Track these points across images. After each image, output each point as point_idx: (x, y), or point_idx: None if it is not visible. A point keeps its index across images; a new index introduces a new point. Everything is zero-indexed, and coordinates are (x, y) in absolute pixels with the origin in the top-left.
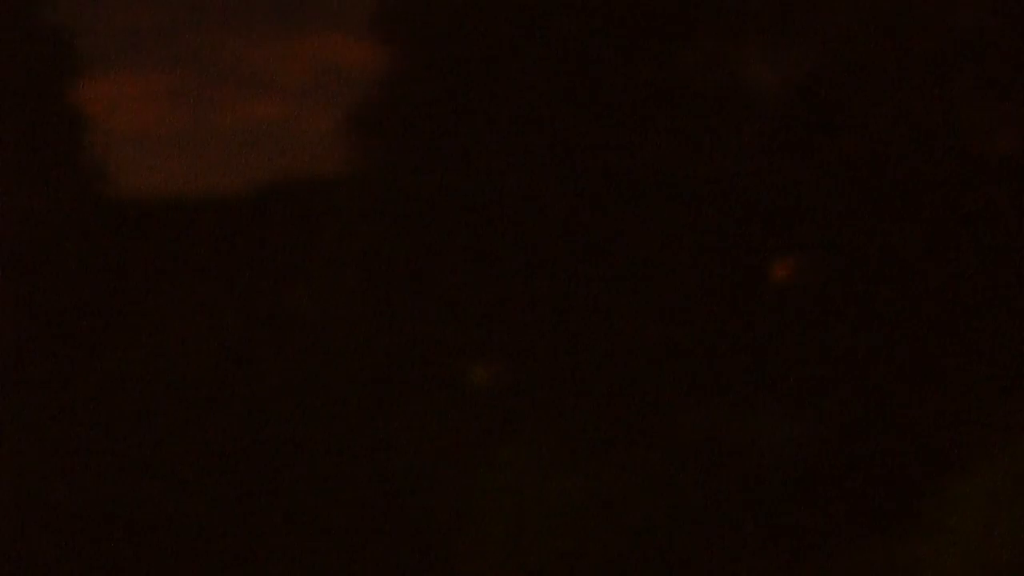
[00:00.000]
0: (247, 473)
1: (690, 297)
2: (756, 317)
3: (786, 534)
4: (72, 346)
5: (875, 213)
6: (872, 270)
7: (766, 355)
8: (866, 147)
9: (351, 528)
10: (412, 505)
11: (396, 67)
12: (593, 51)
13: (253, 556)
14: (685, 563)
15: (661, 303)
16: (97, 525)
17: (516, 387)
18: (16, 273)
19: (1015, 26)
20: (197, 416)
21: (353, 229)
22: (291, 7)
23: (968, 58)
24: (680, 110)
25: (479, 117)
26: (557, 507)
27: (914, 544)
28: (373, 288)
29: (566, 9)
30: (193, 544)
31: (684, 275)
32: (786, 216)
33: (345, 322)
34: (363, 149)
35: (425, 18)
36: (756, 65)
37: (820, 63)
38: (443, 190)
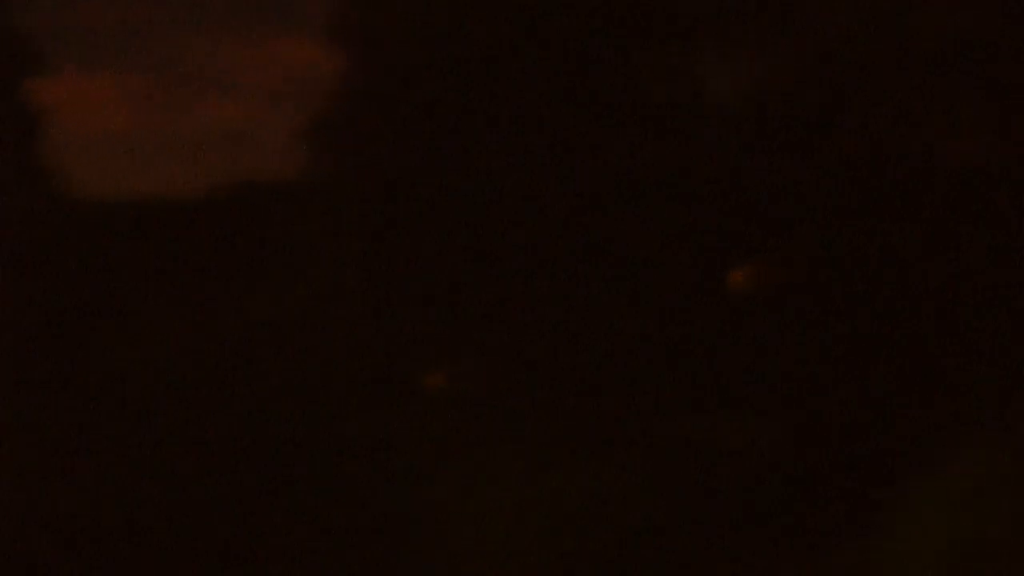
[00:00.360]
0: (216, 476)
1: (660, 302)
2: (726, 322)
3: (757, 536)
4: (35, 348)
5: (845, 218)
6: (842, 275)
7: (736, 360)
8: (837, 152)
9: (326, 529)
10: (385, 507)
11: (362, 71)
12: (559, 55)
13: (228, 555)
14: (657, 566)
15: (631, 308)
16: (79, 528)
17: (486, 392)
18: None
19: (993, 30)
20: (163, 419)
21: (318, 232)
22: (257, 10)
23: (942, 62)
24: (648, 116)
25: (444, 121)
26: (530, 511)
27: (879, 547)
28: (339, 291)
29: (532, 13)
30: (168, 545)
31: (654, 279)
32: (757, 221)
33: (311, 325)
34: (329, 153)
35: (391, 23)
36: (726, 69)
37: (792, 67)
38: (408, 194)
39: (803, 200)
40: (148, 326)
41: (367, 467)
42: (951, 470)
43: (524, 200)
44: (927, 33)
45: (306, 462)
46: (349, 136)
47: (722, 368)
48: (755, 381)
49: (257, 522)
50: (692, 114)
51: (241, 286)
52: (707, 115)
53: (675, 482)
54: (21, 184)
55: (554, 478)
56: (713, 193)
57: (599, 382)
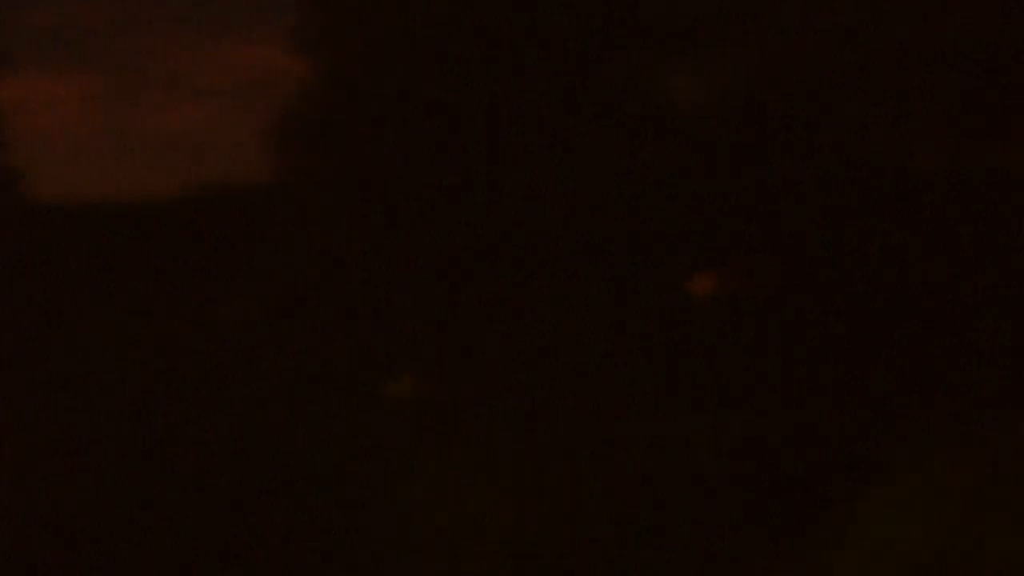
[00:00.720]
0: (166, 485)
1: (628, 306)
2: (694, 326)
3: (710, 542)
4: None
5: (817, 222)
6: (798, 282)
7: (702, 363)
8: (810, 157)
9: (277, 540)
10: (349, 515)
11: (326, 73)
12: (519, 62)
13: (171, 568)
14: (625, 569)
15: (598, 312)
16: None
17: (444, 399)
18: None
19: (945, 42)
20: (122, 424)
21: (282, 235)
22: (221, 13)
23: (892, 72)
24: (619, 121)
25: (409, 123)
26: (497, 517)
27: (830, 553)
28: (303, 295)
29: (492, 20)
30: (131, 549)
31: (622, 283)
32: (714, 228)
33: (275, 329)
34: (292, 155)
35: (351, 27)
36: (686, 79)
37: (765, 73)
38: (373, 196)
39: (774, 204)
40: (110, 330)
41: (331, 473)
42: (921, 473)
43: (491, 204)
44: (901, 38)
45: (270, 467)
46: (313, 138)
47: (689, 372)
48: (723, 385)
49: (220, 529)
50: (663, 119)
51: (204, 289)
52: (679, 120)
53: (644, 487)
54: None
55: (521, 484)
56: (685, 197)
57: (565, 387)
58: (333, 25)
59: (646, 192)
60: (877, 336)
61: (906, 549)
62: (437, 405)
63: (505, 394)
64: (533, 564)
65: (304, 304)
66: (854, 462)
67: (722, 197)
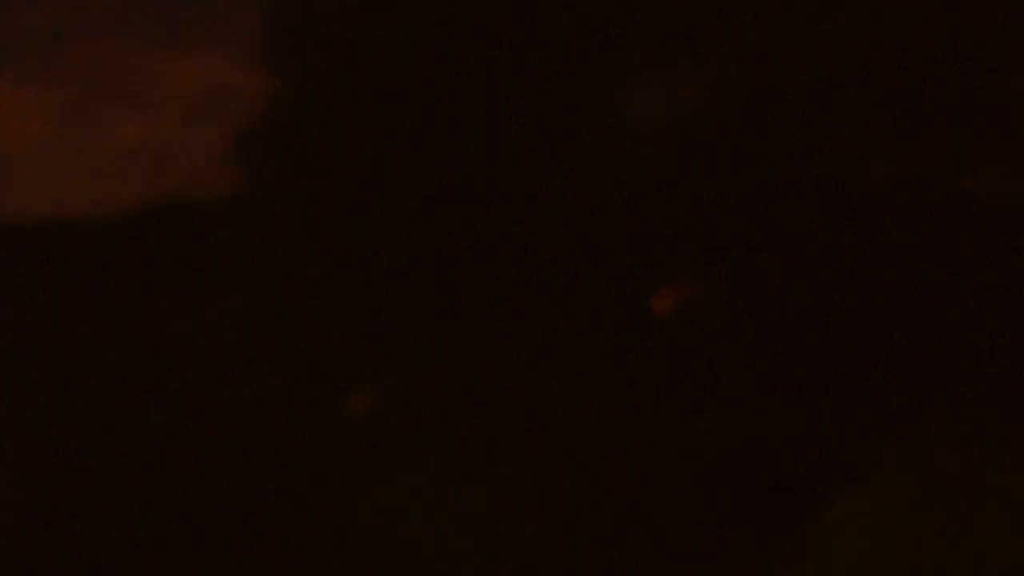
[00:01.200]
0: (123, 500)
1: (586, 321)
2: (651, 342)
3: (681, 550)
4: None
5: (763, 240)
6: (767, 289)
7: (659, 380)
8: (764, 173)
9: (234, 552)
10: (307, 530)
11: (285, 86)
12: (482, 77)
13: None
14: None
15: (556, 326)
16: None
17: (407, 411)
18: None
19: (906, 60)
20: (78, 441)
21: (240, 250)
22: (178, 22)
23: (857, 91)
24: (568, 138)
25: (365, 142)
26: (456, 533)
27: (801, 561)
28: (256, 312)
29: (454, 35)
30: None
31: (580, 298)
32: (675, 241)
33: (232, 344)
34: (248, 171)
35: (314, 41)
36: (645, 93)
37: (711, 93)
38: (330, 211)
39: (729, 220)
40: (65, 346)
41: (289, 489)
42: (878, 488)
43: (451, 218)
44: (856, 52)
45: (228, 482)
46: (271, 152)
47: (646, 388)
48: (679, 401)
49: (175, 545)
50: (618, 134)
51: (161, 304)
52: (633, 135)
53: (603, 501)
54: None
55: (481, 499)
56: (641, 211)
57: (524, 403)
58: (293, 36)
59: (608, 204)
60: (834, 349)
61: (893, 553)
62: (399, 419)
63: (465, 409)
64: (498, 572)
65: (261, 319)
66: (830, 469)
67: (684, 209)
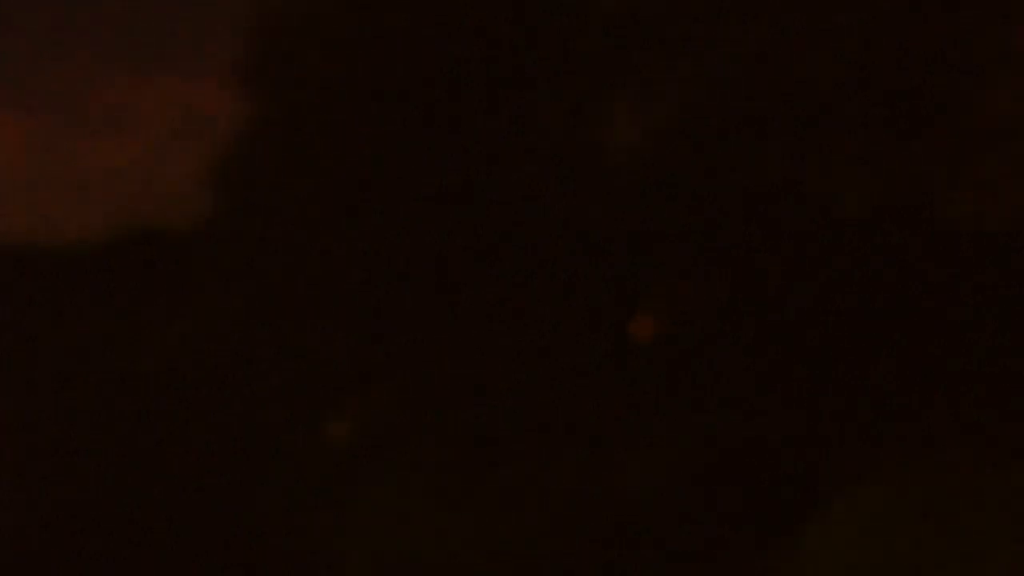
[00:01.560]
0: (101, 529)
1: (577, 320)
2: (621, 371)
3: (680, 550)
4: None
5: (734, 266)
6: (764, 292)
7: (636, 407)
8: (741, 198)
9: (233, 553)
10: (296, 532)
11: (262, 113)
12: (455, 104)
13: None
14: None
15: (549, 330)
16: None
17: (404, 413)
18: None
19: (879, 88)
20: (46, 477)
21: (217, 277)
22: (155, 48)
23: (828, 117)
24: (540, 164)
25: (341, 168)
26: (449, 530)
27: (801, 562)
28: (238, 339)
29: (428, 60)
30: None
31: (555, 325)
32: (646, 270)
33: (209, 372)
34: (224, 194)
35: (289, 66)
36: (619, 120)
37: (682, 120)
38: (303, 241)
39: (703, 246)
40: (38, 373)
41: (288, 490)
42: (877, 489)
43: (424, 246)
44: (830, 76)
45: (226, 484)
46: (247, 174)
47: (623, 414)
48: (656, 427)
49: (173, 546)
50: (593, 159)
51: (137, 332)
52: (608, 160)
53: (602, 502)
54: None
55: (479, 500)
56: (615, 238)
57: (522, 404)
58: (271, 62)
59: (601, 208)
60: (842, 347)
61: (892, 554)
62: (378, 444)
63: (443, 437)
64: None
65: (240, 346)
66: (829, 470)
67: (652, 239)
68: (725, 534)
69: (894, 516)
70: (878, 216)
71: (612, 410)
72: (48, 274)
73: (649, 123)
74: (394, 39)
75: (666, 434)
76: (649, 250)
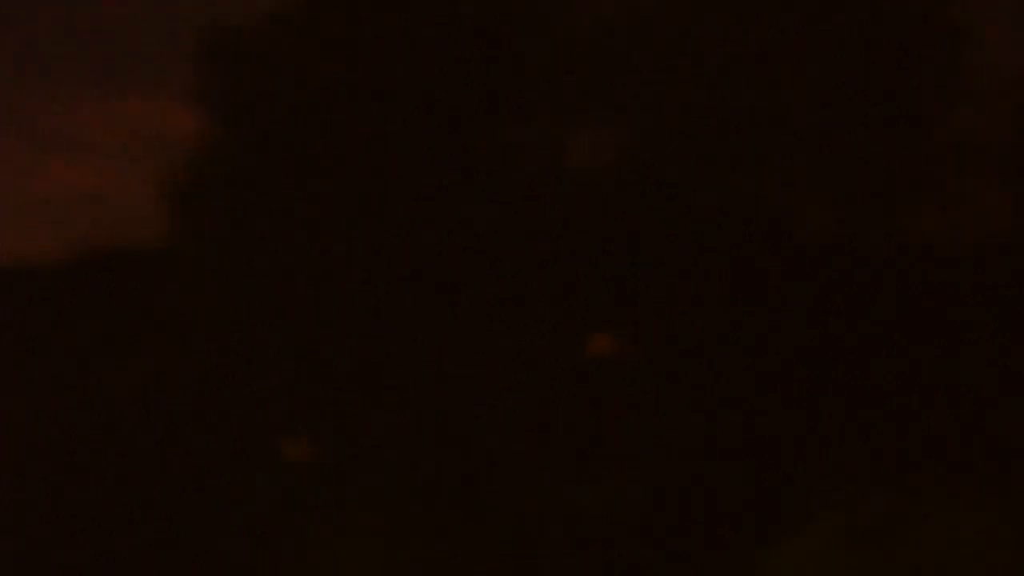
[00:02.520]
0: (63, 552)
1: (522, 367)
2: (582, 389)
3: None
4: None
5: (706, 285)
6: (700, 338)
7: (596, 425)
8: (699, 221)
9: None
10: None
11: (217, 136)
12: (418, 126)
13: None
14: None
15: (493, 374)
16: None
17: (342, 462)
18: None
19: (839, 110)
20: (15, 492)
21: (176, 297)
22: (113, 71)
23: (789, 139)
24: (504, 187)
25: (301, 187)
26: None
27: None
28: (196, 359)
29: (391, 81)
30: None
31: (517, 345)
32: (608, 292)
33: (168, 392)
34: (185, 215)
35: (246, 88)
36: (581, 144)
37: (643, 143)
38: (263, 261)
39: (664, 267)
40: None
41: (227, 536)
42: (810, 532)
43: (387, 267)
44: (789, 103)
45: (165, 530)
46: (208, 199)
47: (582, 433)
48: (615, 446)
49: None
50: (556, 183)
51: (97, 352)
52: (571, 184)
53: (537, 546)
54: None
55: (414, 545)
56: (576, 260)
57: (459, 450)
58: (227, 83)
59: (541, 253)
60: (767, 396)
61: None
62: (335, 466)
63: (399, 457)
64: None
65: (198, 367)
66: (746, 520)
67: (615, 260)
68: (690, 553)
69: (856, 537)
70: (840, 236)
71: (571, 431)
72: (7, 293)
73: (612, 146)
74: (355, 63)
75: (630, 455)
76: (611, 270)
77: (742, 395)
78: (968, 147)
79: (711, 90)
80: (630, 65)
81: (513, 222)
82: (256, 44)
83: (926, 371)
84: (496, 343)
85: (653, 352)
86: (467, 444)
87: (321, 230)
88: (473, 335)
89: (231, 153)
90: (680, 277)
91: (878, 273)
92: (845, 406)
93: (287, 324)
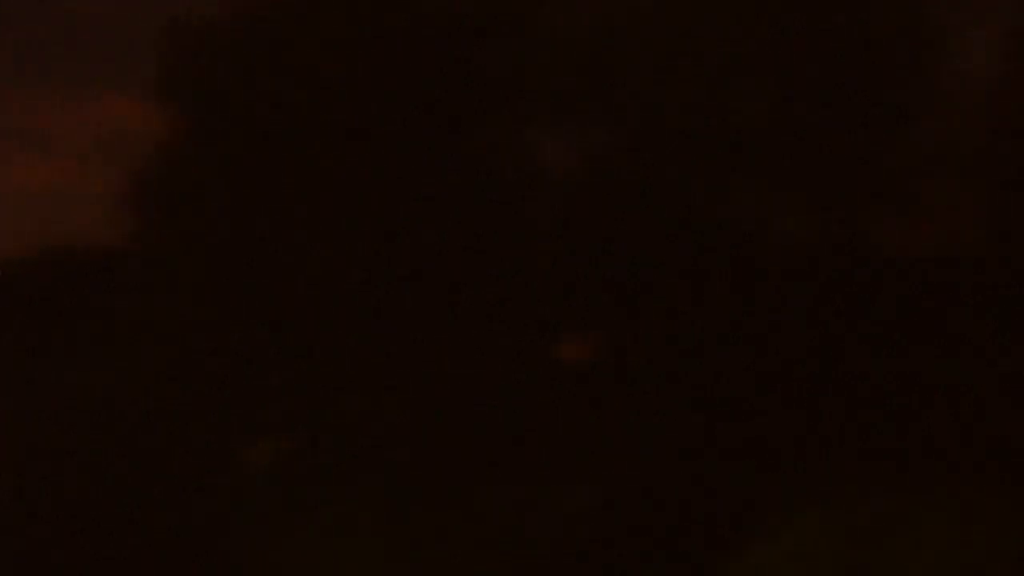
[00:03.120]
0: (21, 563)
1: (491, 372)
2: (545, 395)
3: None
4: None
5: (677, 289)
6: (665, 346)
7: (565, 429)
8: (670, 224)
9: None
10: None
11: (180, 132)
12: (385, 125)
13: None
14: None
15: (461, 379)
16: None
17: (303, 465)
18: None
19: (812, 120)
20: None
21: (135, 299)
22: (75, 66)
23: (754, 145)
24: (472, 190)
25: (265, 185)
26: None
27: None
28: (156, 362)
29: (367, 77)
30: None
31: (485, 349)
32: (575, 295)
33: (127, 395)
34: (147, 214)
35: (208, 84)
36: (550, 147)
37: (613, 146)
38: (228, 257)
39: (635, 271)
40: None
41: (193, 538)
42: (779, 541)
43: (352, 269)
44: (765, 108)
45: (126, 540)
46: (171, 195)
47: (552, 438)
48: (585, 451)
49: None
50: (526, 185)
51: (55, 353)
52: (541, 186)
53: (506, 551)
54: None
55: (380, 548)
56: (545, 263)
57: (425, 456)
58: (191, 79)
59: (513, 257)
60: (739, 402)
61: None
62: (297, 470)
63: (366, 462)
64: None
65: (158, 370)
66: (721, 524)
67: (586, 264)
68: (662, 558)
69: (829, 541)
70: (813, 245)
71: (539, 437)
72: None
73: (584, 150)
74: (328, 58)
75: (600, 461)
76: (581, 276)
77: (730, 397)
78: (965, 149)
79: (684, 94)
80: (600, 67)
81: (479, 225)
82: (225, 40)
83: (923, 373)
84: (462, 349)
85: (642, 353)
86: (449, 444)
87: (291, 229)
88: (436, 341)
89: (200, 151)
90: (652, 282)
91: (854, 279)
92: (823, 411)
93: (250, 322)
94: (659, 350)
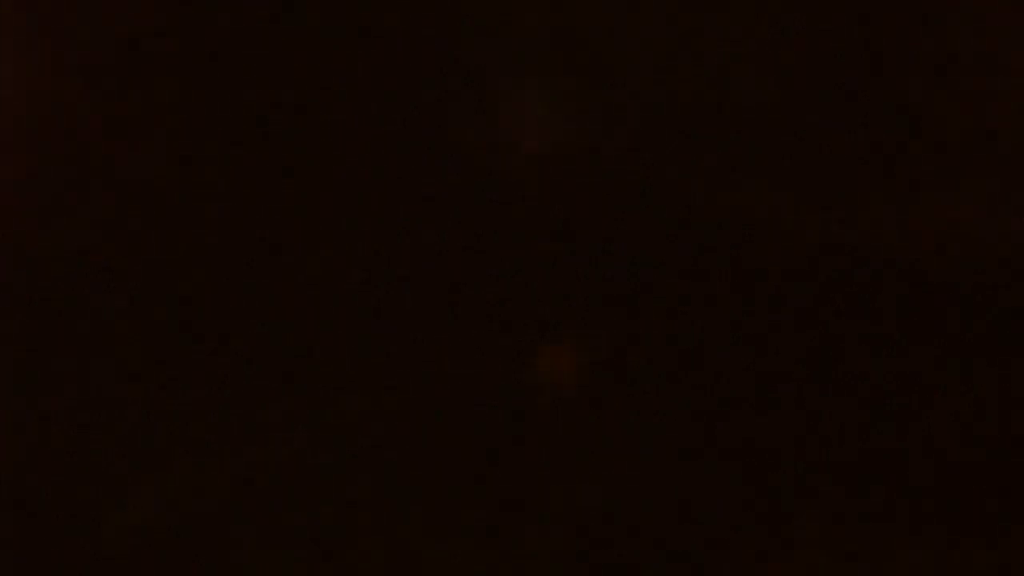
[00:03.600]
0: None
1: (462, 384)
2: (533, 405)
3: None
4: None
5: (657, 293)
6: (664, 346)
7: (540, 448)
8: (659, 222)
9: None
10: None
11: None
12: (364, 116)
13: None
14: None
15: (432, 391)
16: None
17: (269, 479)
18: None
19: (825, 116)
20: None
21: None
22: None
23: (764, 141)
24: (463, 187)
25: (187, 160)
26: None
27: None
28: (145, 361)
29: (332, 66)
30: None
31: (456, 360)
32: (573, 295)
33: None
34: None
35: (145, 69)
36: (544, 143)
37: (593, 138)
38: (192, 257)
39: (618, 277)
40: None
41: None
42: (803, 533)
43: (295, 263)
44: (769, 99)
45: (50, 550)
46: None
47: (551, 438)
48: (585, 451)
49: None
50: (501, 180)
51: (55, 353)
52: (517, 182)
53: (506, 551)
54: None
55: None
56: (542, 262)
57: (396, 472)
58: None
59: (511, 257)
60: (726, 417)
61: None
62: (266, 483)
63: (338, 481)
64: None
65: (154, 369)
66: (721, 525)
67: (583, 263)
68: (662, 559)
69: (850, 538)
70: (820, 251)
71: (539, 438)
72: None
73: (558, 137)
74: (276, 41)
75: (600, 461)
76: (579, 275)
77: (730, 397)
78: (971, 145)
79: (675, 76)
80: (577, 50)
81: (449, 223)
82: (153, 25)
83: (924, 373)
84: (434, 359)
85: (641, 352)
86: (402, 467)
87: (241, 221)
88: (408, 346)
89: (184, 146)
90: (636, 287)
91: (866, 290)
92: (838, 408)
93: (195, 326)
94: (658, 350)
